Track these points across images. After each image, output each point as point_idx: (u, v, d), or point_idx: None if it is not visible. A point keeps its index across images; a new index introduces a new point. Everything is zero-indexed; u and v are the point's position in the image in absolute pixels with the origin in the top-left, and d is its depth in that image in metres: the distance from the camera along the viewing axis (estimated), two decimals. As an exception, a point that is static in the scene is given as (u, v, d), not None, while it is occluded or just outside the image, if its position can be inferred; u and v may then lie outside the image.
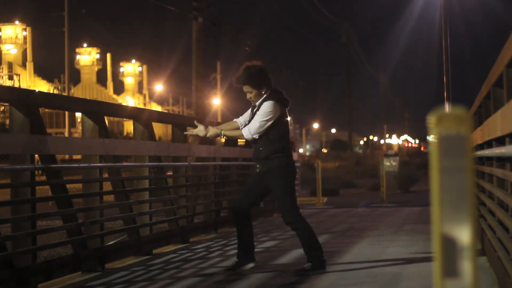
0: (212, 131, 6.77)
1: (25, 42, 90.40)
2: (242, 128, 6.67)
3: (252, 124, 6.53)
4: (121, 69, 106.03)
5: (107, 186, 8.04)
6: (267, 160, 6.55)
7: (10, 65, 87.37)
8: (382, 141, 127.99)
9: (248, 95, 6.60)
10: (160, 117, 10.51)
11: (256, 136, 6.52)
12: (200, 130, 6.83)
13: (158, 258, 7.93)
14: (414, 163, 50.75)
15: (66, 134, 54.65)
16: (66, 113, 53.62)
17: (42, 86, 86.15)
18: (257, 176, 6.70)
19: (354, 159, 67.02)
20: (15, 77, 78.91)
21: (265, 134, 6.53)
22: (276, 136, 6.52)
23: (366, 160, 70.27)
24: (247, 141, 6.84)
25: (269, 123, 6.47)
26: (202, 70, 25.25)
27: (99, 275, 6.78)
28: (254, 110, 6.62)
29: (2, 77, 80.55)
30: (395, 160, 46.46)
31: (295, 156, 17.17)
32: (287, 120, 6.68)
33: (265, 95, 6.54)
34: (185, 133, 6.92)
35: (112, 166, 7.62)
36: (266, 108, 6.47)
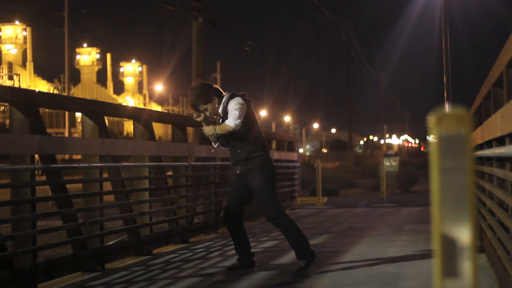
0: (208, 129, 6.62)
1: (25, 42, 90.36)
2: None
3: (230, 115, 6.47)
4: (121, 69, 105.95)
5: (107, 186, 8.04)
6: (247, 161, 6.60)
7: (10, 65, 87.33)
8: (382, 141, 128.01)
9: (208, 113, 6.66)
10: (160, 117, 10.51)
11: (239, 122, 6.43)
12: (203, 119, 6.73)
13: (158, 258, 7.93)
14: (414, 163, 50.78)
15: (66, 134, 54.65)
16: (66, 113, 53.62)
17: (42, 86, 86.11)
18: (240, 178, 6.72)
19: (354, 159, 67.05)
20: (15, 77, 78.90)
21: (239, 135, 6.53)
22: (250, 135, 6.57)
23: (366, 160, 70.29)
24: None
25: (244, 112, 6.47)
26: (202, 69, 25.24)
27: (99, 275, 6.78)
28: (222, 116, 6.62)
29: (2, 77, 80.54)
30: (395, 160, 46.51)
31: (295, 156, 17.18)
32: (256, 118, 6.74)
33: (224, 100, 6.58)
34: (194, 117, 6.85)
35: (112, 166, 7.62)
36: (235, 103, 6.49)
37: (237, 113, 6.43)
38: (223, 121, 6.59)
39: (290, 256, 7.80)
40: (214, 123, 6.76)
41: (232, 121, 6.45)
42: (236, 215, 6.75)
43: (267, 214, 6.66)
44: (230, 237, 6.92)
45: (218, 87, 6.75)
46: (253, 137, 6.60)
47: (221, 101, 6.61)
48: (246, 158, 6.59)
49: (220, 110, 6.62)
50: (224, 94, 6.67)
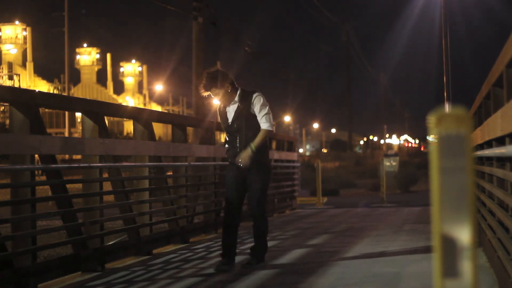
0: (244, 157, 6.80)
1: (25, 42, 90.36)
2: (262, 129, 6.85)
3: (264, 119, 6.82)
4: (121, 69, 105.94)
5: (107, 186, 8.04)
6: (253, 155, 6.81)
7: (10, 65, 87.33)
8: (382, 141, 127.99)
9: (217, 98, 6.95)
10: (160, 117, 10.51)
11: (273, 125, 6.93)
12: (242, 162, 6.88)
13: (158, 258, 7.93)
14: (414, 163, 50.78)
15: (66, 134, 54.63)
16: (66, 113, 53.61)
17: (42, 86, 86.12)
18: (240, 172, 6.91)
19: (354, 159, 67.09)
20: (15, 77, 78.89)
21: (249, 129, 6.82)
22: (258, 131, 6.84)
23: (366, 160, 70.35)
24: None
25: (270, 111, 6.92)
26: (202, 70, 25.22)
27: (99, 275, 6.78)
28: (236, 107, 6.89)
29: (2, 77, 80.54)
30: (395, 160, 46.54)
31: (295, 156, 17.18)
32: None
33: (240, 92, 6.88)
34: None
35: (112, 166, 7.62)
36: (259, 100, 6.84)
37: (270, 117, 6.86)
38: (238, 110, 6.86)
39: (290, 256, 7.81)
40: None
41: (269, 126, 6.84)
42: (239, 210, 7.01)
43: (256, 210, 6.92)
44: (226, 235, 6.96)
45: (231, 78, 7.01)
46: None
47: (235, 92, 6.88)
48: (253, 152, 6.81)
49: (236, 98, 6.88)
50: (237, 86, 6.97)
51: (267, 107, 6.86)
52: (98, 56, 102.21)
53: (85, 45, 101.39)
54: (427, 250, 7.69)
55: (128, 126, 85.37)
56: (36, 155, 6.33)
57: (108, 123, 7.87)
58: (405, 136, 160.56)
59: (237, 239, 7.02)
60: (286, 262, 7.40)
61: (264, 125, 6.82)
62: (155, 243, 8.55)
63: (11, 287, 5.61)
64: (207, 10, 24.85)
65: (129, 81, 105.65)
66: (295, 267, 6.94)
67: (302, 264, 7.09)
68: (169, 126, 11.56)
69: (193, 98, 25.44)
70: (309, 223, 12.42)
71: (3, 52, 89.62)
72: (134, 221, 8.04)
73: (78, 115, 60.77)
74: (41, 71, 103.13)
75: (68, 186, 6.86)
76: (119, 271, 7.05)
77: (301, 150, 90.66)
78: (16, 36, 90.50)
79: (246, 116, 6.86)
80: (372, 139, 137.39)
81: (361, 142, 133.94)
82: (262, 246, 7.04)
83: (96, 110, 7.53)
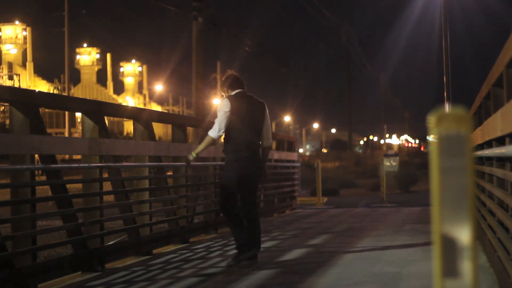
0: (187, 159, 7.48)
1: (25, 42, 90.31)
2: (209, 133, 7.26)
3: (214, 125, 7.18)
4: (121, 69, 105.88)
5: (107, 186, 8.04)
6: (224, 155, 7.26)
7: (10, 65, 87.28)
8: (382, 141, 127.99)
9: None
10: (160, 117, 10.51)
11: (221, 133, 7.14)
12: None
13: (158, 258, 7.93)
14: (414, 163, 50.82)
15: (66, 134, 54.62)
16: (66, 113, 53.60)
17: (42, 86, 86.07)
18: None
19: (354, 159, 67.13)
20: (15, 77, 78.90)
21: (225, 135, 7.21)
22: (229, 135, 7.15)
23: (366, 160, 70.38)
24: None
25: (224, 117, 7.07)
26: (202, 70, 25.22)
27: (99, 275, 6.78)
28: None
29: (2, 77, 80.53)
30: (395, 160, 46.62)
31: (294, 156, 17.17)
32: (244, 117, 7.14)
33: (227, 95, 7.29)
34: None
35: (112, 166, 7.62)
36: (219, 108, 7.17)
37: (217, 125, 7.11)
38: None
39: (290, 256, 7.81)
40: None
41: (213, 133, 7.15)
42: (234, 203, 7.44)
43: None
44: (230, 237, 7.25)
45: (241, 81, 7.29)
46: (228, 135, 7.13)
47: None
48: (223, 152, 7.24)
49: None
50: (237, 89, 7.26)
51: (220, 113, 7.09)
52: (98, 56, 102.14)
53: (85, 45, 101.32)
54: (427, 250, 7.69)
55: (128, 126, 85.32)
56: (36, 155, 6.33)
57: (108, 123, 7.87)
58: (405, 136, 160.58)
59: (247, 231, 7.13)
60: (286, 262, 7.40)
61: (209, 132, 7.19)
62: (155, 243, 8.55)
63: (11, 287, 5.61)
64: (207, 10, 24.85)
65: (129, 81, 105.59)
66: (295, 267, 6.93)
67: (302, 264, 7.08)
68: (169, 126, 11.57)
69: (193, 98, 25.43)
70: (309, 223, 12.42)
71: (3, 52, 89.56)
72: (134, 221, 8.04)
73: (78, 115, 60.75)
74: (41, 71, 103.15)
75: (68, 186, 6.86)
76: (119, 271, 7.05)
77: (301, 150, 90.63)
78: (16, 36, 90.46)
79: None
80: (372, 139, 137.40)
81: (361, 142, 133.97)
82: (239, 245, 7.10)
83: (96, 110, 7.53)
